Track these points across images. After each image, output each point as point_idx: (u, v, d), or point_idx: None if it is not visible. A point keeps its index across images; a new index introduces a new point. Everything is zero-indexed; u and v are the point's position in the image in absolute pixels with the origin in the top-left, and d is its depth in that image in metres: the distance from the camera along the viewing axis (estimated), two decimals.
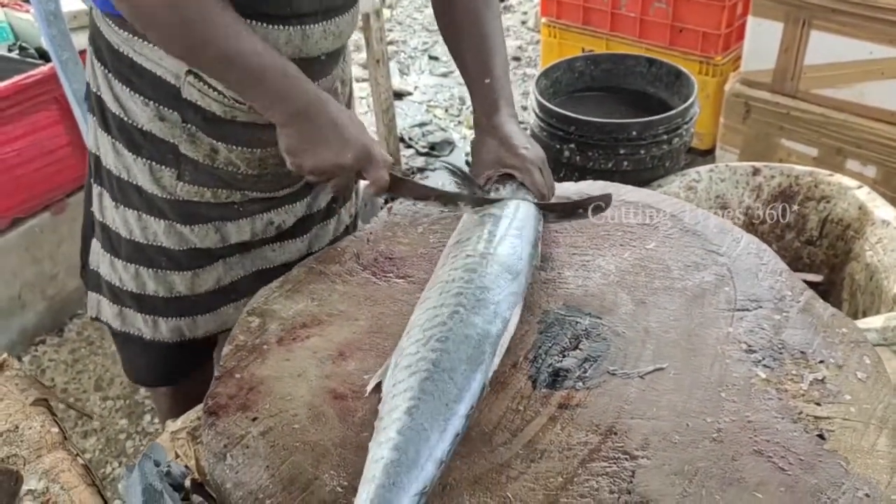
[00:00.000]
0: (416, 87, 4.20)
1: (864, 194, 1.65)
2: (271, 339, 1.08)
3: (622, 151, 1.97)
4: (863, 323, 1.27)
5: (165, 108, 1.20)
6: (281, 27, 1.13)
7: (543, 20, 3.60)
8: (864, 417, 0.91)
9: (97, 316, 1.45)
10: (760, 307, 1.07)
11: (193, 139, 1.22)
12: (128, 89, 1.21)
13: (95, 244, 1.39)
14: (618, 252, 1.19)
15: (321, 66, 1.23)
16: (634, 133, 1.97)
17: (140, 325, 1.39)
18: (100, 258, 1.39)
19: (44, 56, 2.70)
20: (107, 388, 2.50)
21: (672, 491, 0.85)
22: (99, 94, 1.26)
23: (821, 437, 0.89)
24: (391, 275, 1.18)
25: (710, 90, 3.12)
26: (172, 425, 1.09)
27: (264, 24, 1.12)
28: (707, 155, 3.26)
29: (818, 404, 0.93)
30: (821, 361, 0.98)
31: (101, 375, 2.54)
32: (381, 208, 1.31)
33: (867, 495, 0.83)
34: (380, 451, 0.83)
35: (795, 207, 1.75)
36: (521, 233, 1.12)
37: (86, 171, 1.38)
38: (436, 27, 1.39)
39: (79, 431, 2.34)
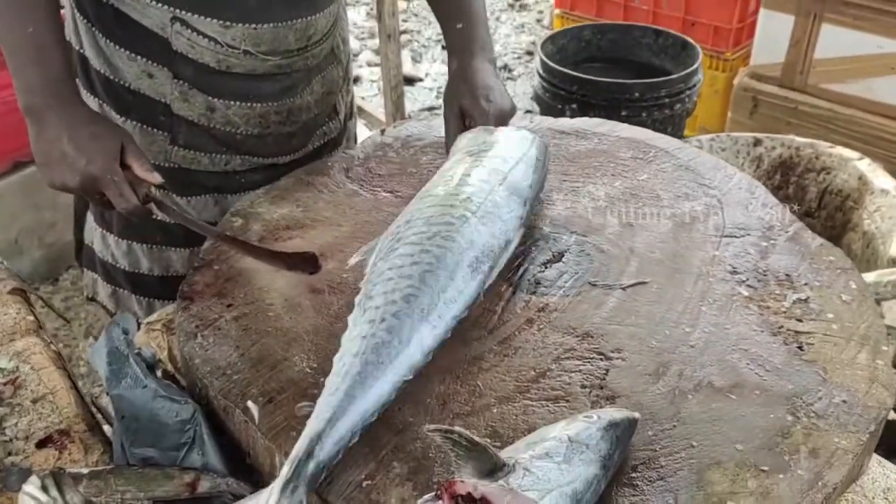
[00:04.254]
0: (427, 74, 4.21)
1: (865, 165, 1.64)
2: (253, 238, 1.07)
3: (624, 113, 1.96)
4: None
5: (153, 64, 1.13)
6: None
7: (557, 12, 3.60)
8: (845, 334, 0.89)
9: (93, 296, 1.37)
10: (748, 234, 1.05)
11: (186, 97, 1.16)
12: (112, 43, 1.14)
13: (90, 217, 1.32)
14: (608, 181, 1.18)
15: None
16: (637, 94, 1.97)
17: (135, 308, 1.31)
18: (94, 233, 1.31)
19: None
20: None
21: (644, 388, 0.83)
22: (82, 51, 1.18)
23: (800, 348, 0.88)
24: (379, 189, 1.17)
25: (719, 85, 3.11)
26: (149, 318, 1.08)
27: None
28: None
29: (799, 320, 0.92)
30: (805, 283, 0.97)
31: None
32: (376, 131, 1.30)
33: (844, 401, 0.81)
34: (370, 329, 0.82)
35: (795, 178, 1.74)
36: (533, 163, 1.08)
37: None
38: None
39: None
